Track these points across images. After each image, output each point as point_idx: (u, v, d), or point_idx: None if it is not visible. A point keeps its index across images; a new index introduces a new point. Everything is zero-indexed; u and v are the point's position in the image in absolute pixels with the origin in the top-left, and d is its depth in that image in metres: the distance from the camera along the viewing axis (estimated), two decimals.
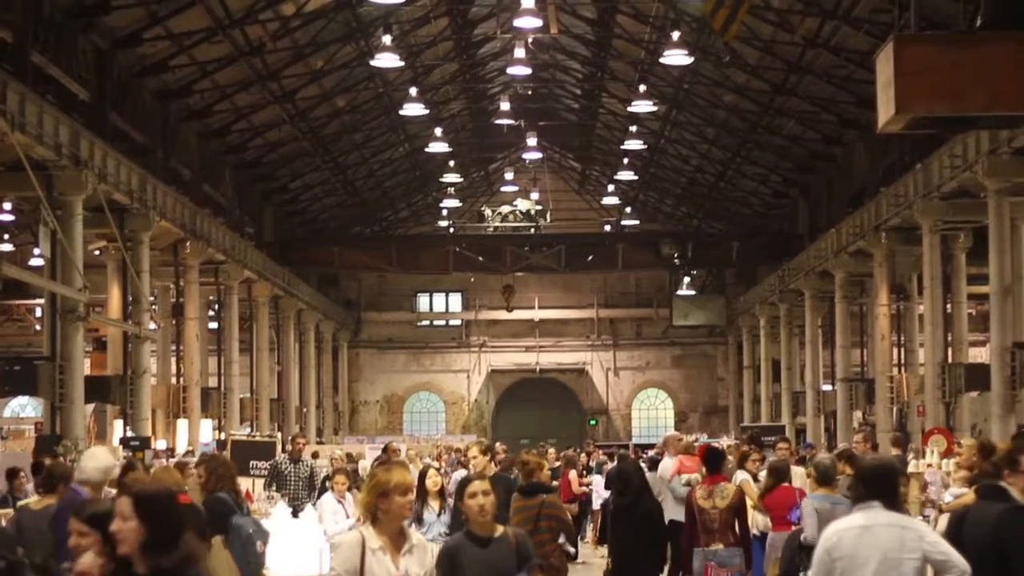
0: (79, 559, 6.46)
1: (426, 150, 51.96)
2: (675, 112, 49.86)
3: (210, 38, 36.86)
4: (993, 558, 8.31)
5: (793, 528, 14.81)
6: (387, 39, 35.41)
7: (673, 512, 17.57)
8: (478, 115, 55.29)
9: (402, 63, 39.14)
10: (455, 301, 72.03)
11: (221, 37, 36.90)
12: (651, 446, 35.76)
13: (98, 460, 11.85)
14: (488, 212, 62.06)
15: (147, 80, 37.50)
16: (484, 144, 59.22)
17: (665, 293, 68.33)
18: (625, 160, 55.93)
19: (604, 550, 27.67)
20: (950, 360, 35.06)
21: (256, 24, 37.27)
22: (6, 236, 47.22)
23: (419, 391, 71.91)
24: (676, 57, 36.29)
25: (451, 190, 60.75)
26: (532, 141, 53.29)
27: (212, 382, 44.61)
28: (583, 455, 36.17)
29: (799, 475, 17.20)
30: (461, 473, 20.64)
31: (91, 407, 35.28)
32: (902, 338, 44.75)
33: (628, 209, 65.72)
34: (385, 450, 24.13)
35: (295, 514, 16.33)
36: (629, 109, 46.51)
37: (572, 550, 14.03)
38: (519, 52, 41.69)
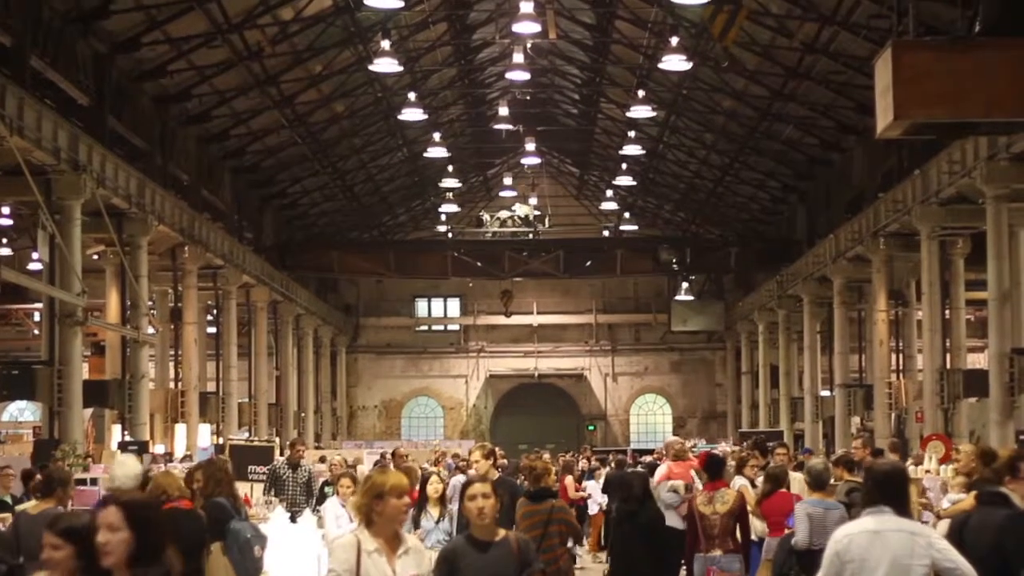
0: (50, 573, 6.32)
1: (425, 155, 51.99)
2: (674, 117, 49.87)
3: (209, 43, 36.86)
4: (995, 564, 8.32)
5: (785, 532, 14.83)
6: (386, 44, 35.42)
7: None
8: (477, 120, 55.29)
9: (401, 68, 39.14)
10: (453, 306, 72.05)
11: (220, 42, 36.91)
12: (650, 451, 35.74)
13: (128, 467, 12.12)
14: (487, 217, 62.07)
15: (146, 85, 37.49)
16: (483, 149, 59.24)
17: (663, 298, 68.30)
18: (624, 165, 55.90)
19: (602, 555, 27.80)
20: (948, 366, 35.09)
21: (255, 29, 37.27)
22: (4, 240, 47.24)
23: (417, 396, 71.90)
24: (675, 62, 36.25)
25: (450, 195, 60.74)
26: (531, 146, 53.29)
27: (210, 387, 44.60)
28: (583, 460, 36.22)
29: (797, 481, 17.19)
30: (460, 479, 20.66)
31: (89, 411, 35.24)
32: (900, 344, 44.75)
33: (627, 214, 65.73)
34: (393, 455, 24.00)
35: (293, 519, 16.33)
36: (628, 114, 46.47)
37: (579, 554, 14.11)
38: (518, 57, 41.72)
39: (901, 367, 44.31)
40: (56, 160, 28.42)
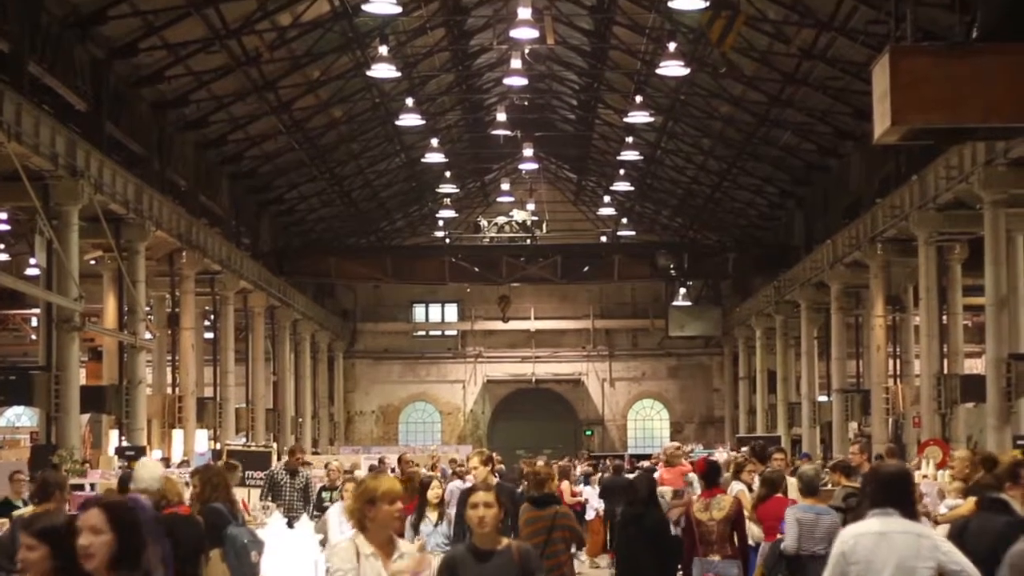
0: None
1: (422, 161, 52.01)
2: (671, 123, 49.90)
3: (206, 48, 36.87)
4: (994, 569, 8.31)
5: (778, 537, 14.87)
6: (384, 50, 35.44)
7: None
8: (474, 126, 55.31)
9: (399, 74, 39.15)
10: (451, 312, 72.06)
11: (218, 47, 36.91)
12: (647, 456, 35.75)
13: (152, 469, 12.39)
14: (484, 223, 62.08)
15: (143, 90, 37.50)
16: (480, 155, 59.25)
17: (661, 304, 68.31)
18: (621, 171, 55.93)
19: (600, 560, 27.80)
20: (946, 371, 35.06)
21: (253, 34, 37.28)
22: (2, 246, 47.20)
23: (415, 401, 71.91)
24: (672, 68, 36.31)
25: (447, 201, 60.77)
26: (528, 152, 53.29)
27: (208, 392, 44.58)
28: (580, 465, 36.21)
29: (794, 486, 17.19)
30: (458, 484, 20.65)
31: (87, 417, 35.22)
32: (898, 349, 44.75)
33: (624, 220, 65.73)
34: (400, 460, 23.89)
35: (290, 525, 16.32)
36: (625, 120, 46.50)
37: (581, 559, 14.15)
38: (515, 63, 41.68)
39: (898, 372, 44.29)
40: (54, 166, 28.42)
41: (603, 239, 65.94)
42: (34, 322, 52.61)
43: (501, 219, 61.83)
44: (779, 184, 53.24)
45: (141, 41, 34.73)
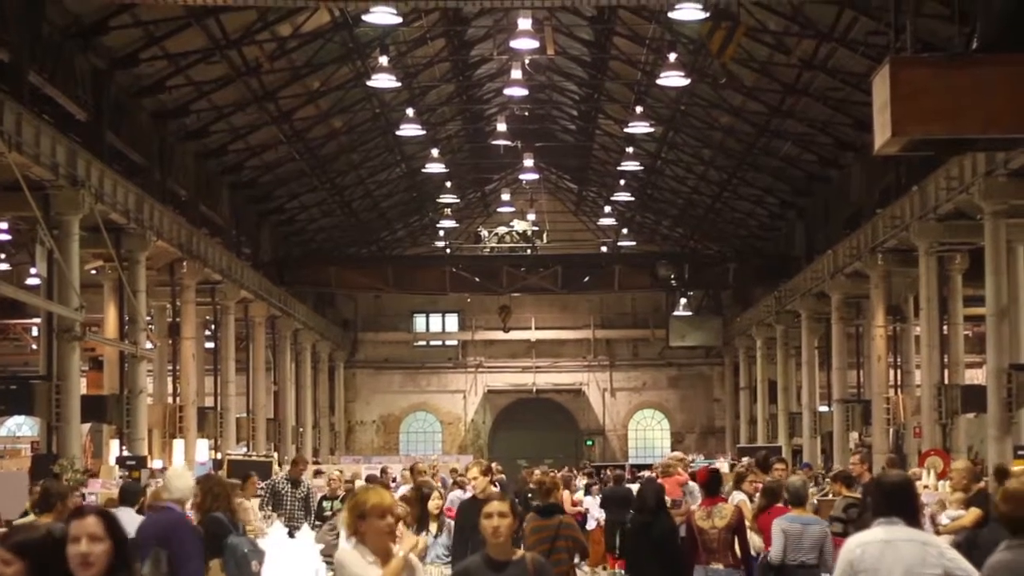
0: None
1: (423, 171, 52.06)
2: (672, 133, 49.92)
3: (207, 58, 36.90)
4: None
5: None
6: (384, 60, 35.49)
7: None
8: (475, 136, 55.32)
9: (399, 84, 39.20)
10: (452, 321, 72.07)
11: (218, 57, 36.95)
12: (648, 467, 35.73)
13: (185, 479, 12.22)
14: (485, 233, 62.07)
15: (144, 100, 37.51)
16: (481, 165, 59.27)
17: (662, 314, 68.31)
18: (622, 181, 55.99)
19: (600, 571, 27.80)
20: (946, 381, 35.06)
21: (253, 45, 37.31)
22: (2, 256, 47.22)
23: (415, 411, 71.89)
24: (673, 79, 36.35)
25: (448, 211, 60.81)
26: (529, 162, 53.34)
27: (208, 402, 44.55)
28: (581, 475, 36.22)
29: None
30: (458, 494, 20.66)
31: (87, 426, 35.23)
32: (898, 359, 44.74)
33: (625, 230, 65.76)
34: (411, 470, 23.82)
35: (291, 535, 16.32)
36: (626, 130, 46.58)
37: (585, 569, 14.18)
38: (516, 73, 41.79)
39: (899, 382, 44.28)
40: (54, 175, 28.42)
41: (604, 249, 65.94)
42: (35, 332, 52.60)
43: (502, 229, 61.82)
44: (780, 194, 53.25)
45: (142, 51, 34.75)
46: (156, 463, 35.14)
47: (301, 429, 55.49)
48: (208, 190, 44.60)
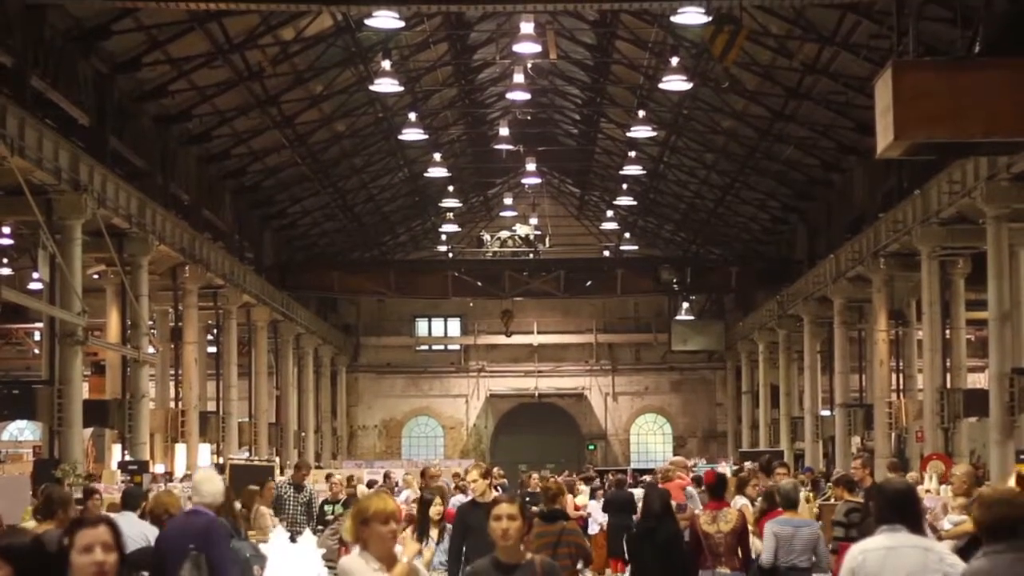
0: None
1: (425, 175, 52.03)
2: (674, 138, 49.91)
3: (210, 63, 36.92)
4: None
5: None
6: (387, 64, 35.49)
7: None
8: (477, 140, 55.34)
9: (401, 88, 39.21)
10: (454, 326, 72.07)
11: (221, 62, 36.97)
12: (650, 471, 35.72)
13: (216, 482, 12.06)
14: (487, 237, 62.07)
15: (147, 105, 37.54)
16: (483, 169, 59.24)
17: (664, 318, 68.35)
18: (624, 185, 55.99)
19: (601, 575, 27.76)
20: (949, 386, 35.03)
21: (256, 49, 37.32)
22: (5, 260, 47.20)
23: (418, 416, 71.86)
24: (675, 83, 36.35)
25: (450, 215, 60.78)
26: (531, 166, 53.34)
27: (211, 406, 44.57)
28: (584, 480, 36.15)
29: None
30: (459, 498, 20.65)
31: (89, 431, 35.22)
32: (901, 364, 44.70)
33: (627, 234, 65.78)
34: (423, 474, 23.72)
35: (293, 539, 16.31)
36: (628, 134, 46.58)
37: (589, 574, 14.18)
38: (518, 77, 41.77)
39: (901, 387, 44.24)
40: (57, 180, 28.43)
41: (606, 253, 65.92)
42: (37, 336, 52.61)
43: (504, 233, 61.80)
44: (782, 199, 53.25)
45: (144, 56, 34.79)
46: (158, 468, 35.18)
47: (303, 434, 55.48)
48: (210, 194, 44.62)
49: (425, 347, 72.45)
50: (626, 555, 24.99)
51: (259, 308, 48.17)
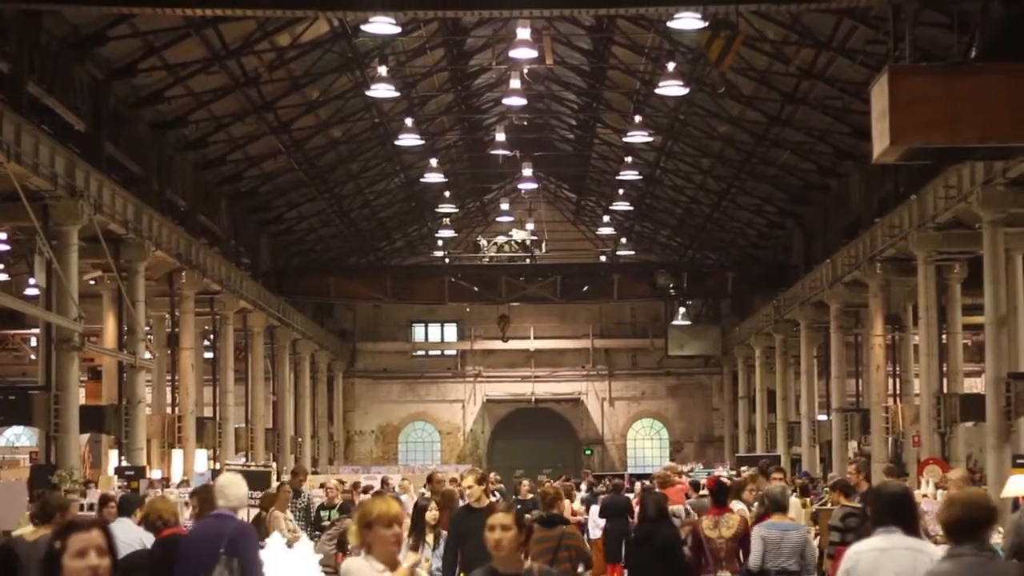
0: None
1: (422, 180, 52.05)
2: (670, 143, 49.91)
3: (206, 69, 36.90)
4: None
5: None
6: (383, 70, 35.50)
7: None
8: (473, 146, 55.33)
9: (398, 94, 39.19)
10: (450, 331, 72.08)
11: (217, 68, 36.95)
12: (647, 476, 35.71)
13: (241, 486, 11.99)
14: (483, 242, 62.03)
15: (143, 110, 37.52)
16: (479, 174, 59.24)
17: (660, 323, 68.32)
18: (620, 191, 56.02)
19: None
20: (945, 390, 35.07)
21: (252, 55, 37.31)
22: (1, 266, 47.18)
23: (414, 421, 71.84)
24: (671, 88, 36.36)
25: (446, 220, 60.80)
26: (527, 171, 53.32)
27: (207, 412, 44.49)
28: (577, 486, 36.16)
29: (794, 505, 17.21)
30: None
31: (86, 437, 35.19)
32: (897, 368, 44.74)
33: (623, 239, 65.82)
34: (430, 479, 23.66)
35: (290, 545, 16.31)
36: (624, 140, 46.58)
37: None
38: (514, 83, 41.82)
39: (898, 391, 44.29)
40: (53, 186, 28.42)
41: (602, 258, 65.99)
42: (33, 342, 52.50)
43: (500, 239, 61.78)
44: (778, 203, 53.26)
45: (141, 62, 34.76)
46: (155, 473, 35.12)
47: (300, 439, 55.47)
48: (207, 200, 44.60)
49: (421, 352, 72.45)
50: (623, 560, 25.09)
51: (255, 313, 48.16)
